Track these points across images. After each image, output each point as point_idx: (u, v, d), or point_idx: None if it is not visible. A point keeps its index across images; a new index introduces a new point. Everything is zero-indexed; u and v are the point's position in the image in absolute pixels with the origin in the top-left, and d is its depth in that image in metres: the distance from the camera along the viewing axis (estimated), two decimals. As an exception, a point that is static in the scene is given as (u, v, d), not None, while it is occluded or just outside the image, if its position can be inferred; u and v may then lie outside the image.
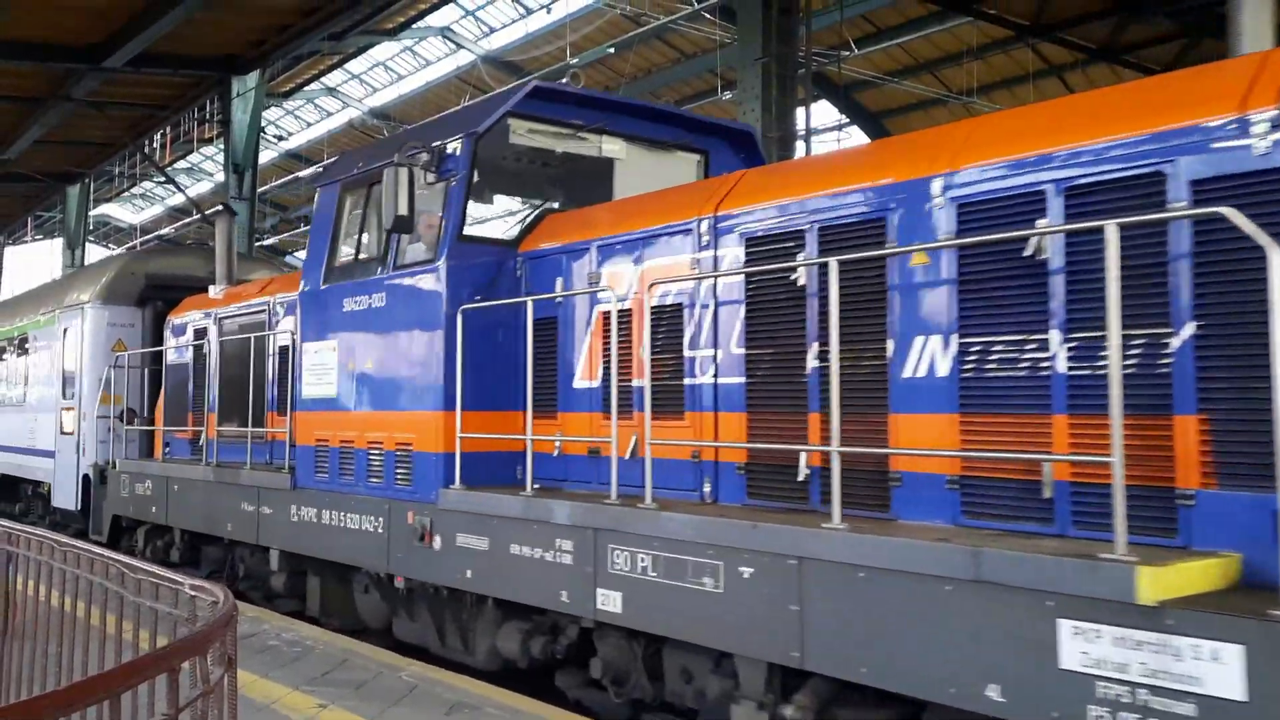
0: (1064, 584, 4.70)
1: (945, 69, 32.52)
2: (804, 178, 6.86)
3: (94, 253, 50.22)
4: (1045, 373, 5.44)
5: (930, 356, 5.96)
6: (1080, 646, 4.67)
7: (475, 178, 8.53)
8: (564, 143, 8.93)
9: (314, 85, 42.03)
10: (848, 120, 35.36)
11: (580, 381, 8.12)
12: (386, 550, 8.80)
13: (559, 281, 8.28)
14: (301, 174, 47.24)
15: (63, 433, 15.61)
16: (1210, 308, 4.89)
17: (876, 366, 6.18)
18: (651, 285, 6.99)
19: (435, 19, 35.60)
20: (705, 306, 7.20)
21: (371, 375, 9.10)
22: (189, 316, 13.39)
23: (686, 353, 7.30)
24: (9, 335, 18.96)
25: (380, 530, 8.88)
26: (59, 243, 43.80)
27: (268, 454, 11.28)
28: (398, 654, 8.82)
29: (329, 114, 45.55)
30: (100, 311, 15.16)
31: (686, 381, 7.30)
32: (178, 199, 50.70)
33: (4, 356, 19.25)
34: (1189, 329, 4.95)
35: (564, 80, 8.96)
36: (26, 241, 53.88)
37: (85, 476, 14.82)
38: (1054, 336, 5.41)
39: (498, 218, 9.98)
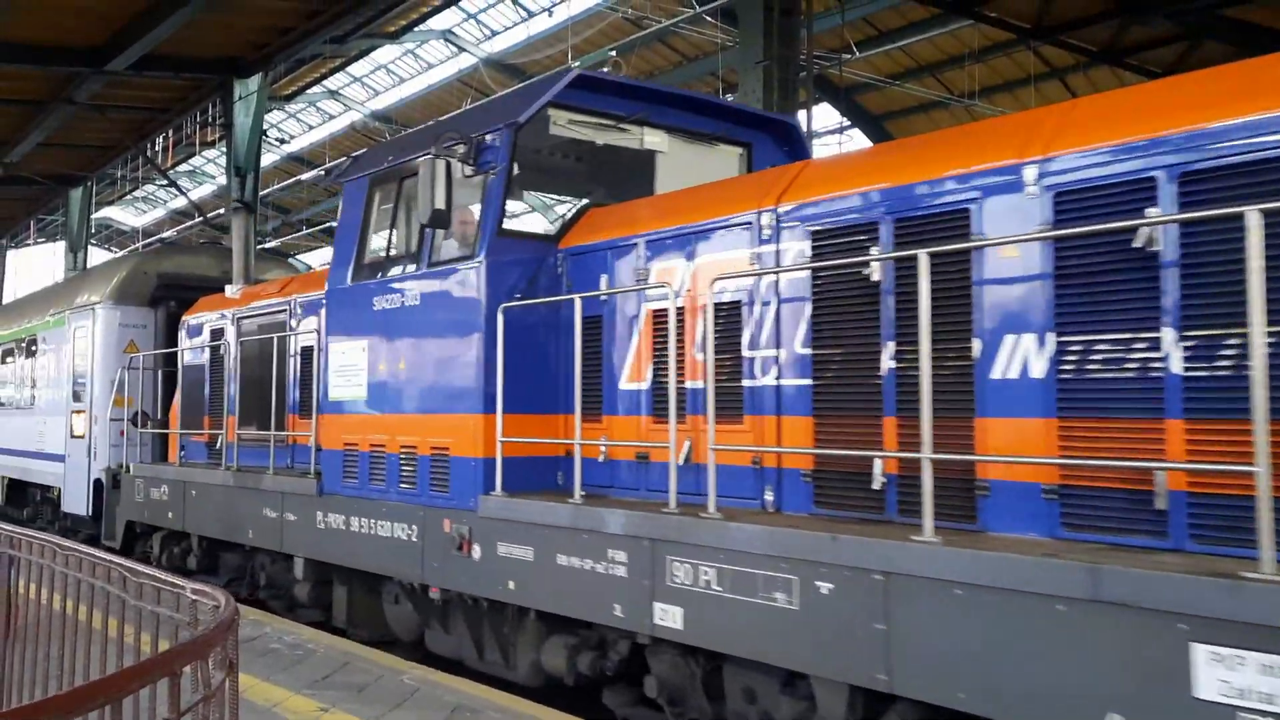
0: (1200, 605, 4.21)
1: (947, 71, 32.08)
2: (876, 167, 6.36)
3: (96, 256, 49.63)
4: (1157, 374, 4.95)
5: (1023, 357, 5.47)
6: (1219, 674, 4.18)
7: (515, 170, 8.01)
8: (605, 134, 8.42)
9: (316, 88, 41.49)
10: (849, 123, 34.89)
11: (627, 383, 7.61)
12: (421, 560, 8.28)
13: (603, 279, 7.78)
14: (303, 176, 46.74)
15: (73, 436, 15.03)
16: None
17: (961, 367, 5.69)
18: (715, 280, 6.47)
19: (437, 22, 35.16)
20: (766, 304, 6.70)
21: (404, 377, 8.58)
22: (205, 317, 12.84)
23: (745, 353, 6.80)
24: (17, 337, 18.36)
25: (414, 539, 8.36)
26: (61, 246, 43.25)
27: (288, 458, 10.74)
28: (431, 665, 8.35)
29: (331, 117, 45.05)
30: (112, 312, 14.58)
31: (745, 383, 6.79)
32: (180, 202, 50.12)
33: (12, 358, 18.63)
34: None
35: (605, 69, 8.42)
36: (29, 244, 53.20)
37: (97, 481, 14.25)
38: (1167, 335, 4.92)
39: (520, 214, 9.46)
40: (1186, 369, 4.87)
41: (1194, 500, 4.83)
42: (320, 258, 53.13)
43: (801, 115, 19.08)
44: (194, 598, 4.50)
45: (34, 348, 17.33)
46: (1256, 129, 4.70)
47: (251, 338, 11.44)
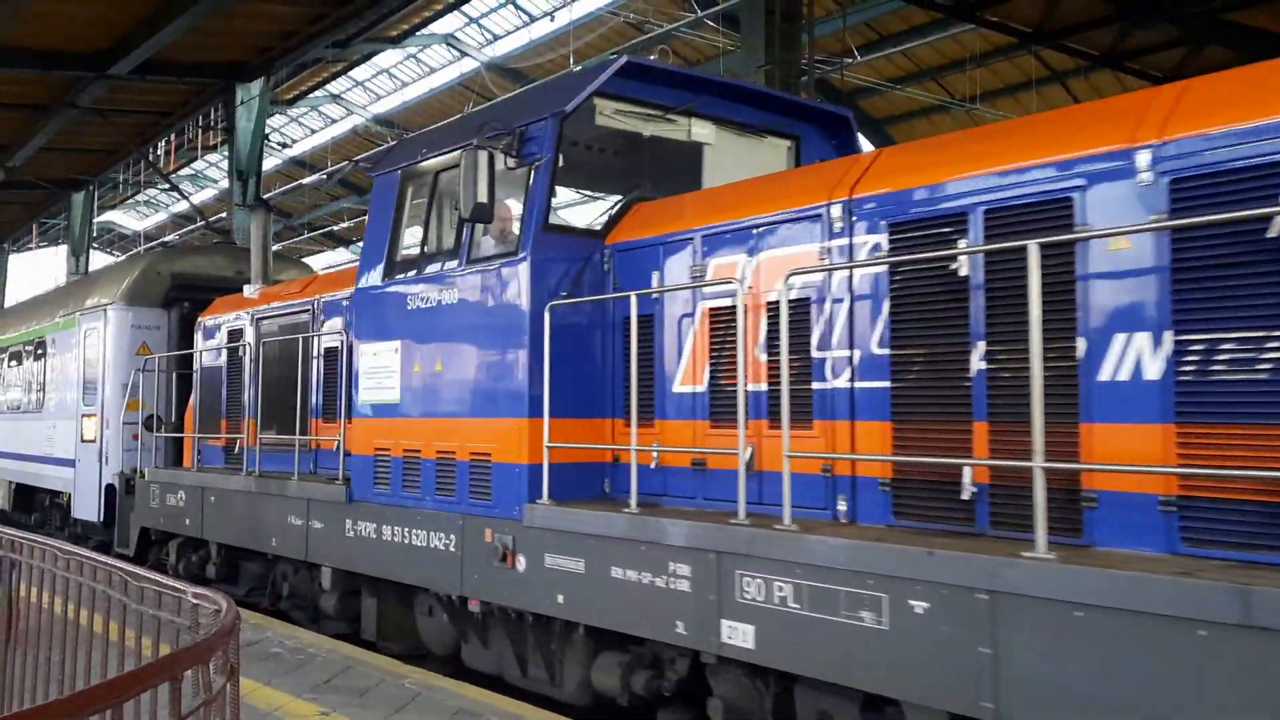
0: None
1: (948, 75, 31.69)
2: (962, 155, 5.84)
3: (98, 260, 49.01)
4: (1296, 375, 4.44)
5: (1135, 357, 4.96)
6: (1398, 709, 3.66)
7: (560, 162, 7.48)
8: (651, 125, 7.90)
9: (318, 92, 41.08)
10: (851, 127, 34.43)
11: (681, 386, 7.09)
12: (460, 571, 7.75)
13: (654, 276, 7.26)
14: (305, 180, 46.24)
15: (83, 440, 14.42)
16: None
17: (1063, 368, 5.18)
18: (790, 274, 5.94)
19: (439, 26, 34.79)
20: (838, 302, 6.19)
21: (442, 379, 8.04)
22: (222, 318, 12.27)
23: (815, 354, 6.28)
24: (25, 339, 17.73)
25: (452, 549, 7.82)
26: (63, 249, 42.75)
27: (311, 463, 10.18)
28: (466, 681, 7.89)
29: (333, 121, 44.57)
30: (123, 313, 13.98)
31: (815, 386, 6.27)
32: (182, 206, 49.57)
33: (19, 361, 17.99)
34: None
35: (652, 57, 7.89)
36: (31, 248, 52.58)
37: (109, 486, 13.65)
38: (1307, 332, 4.41)
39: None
40: (1331, 370, 4.37)
41: (1342, 513, 4.33)
42: (322, 261, 52.53)
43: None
44: (195, 602, 4.42)
45: (42, 350, 16.71)
46: None
47: (272, 339, 10.86)
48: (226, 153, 28.14)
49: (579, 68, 31.80)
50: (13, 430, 17.74)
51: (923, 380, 5.76)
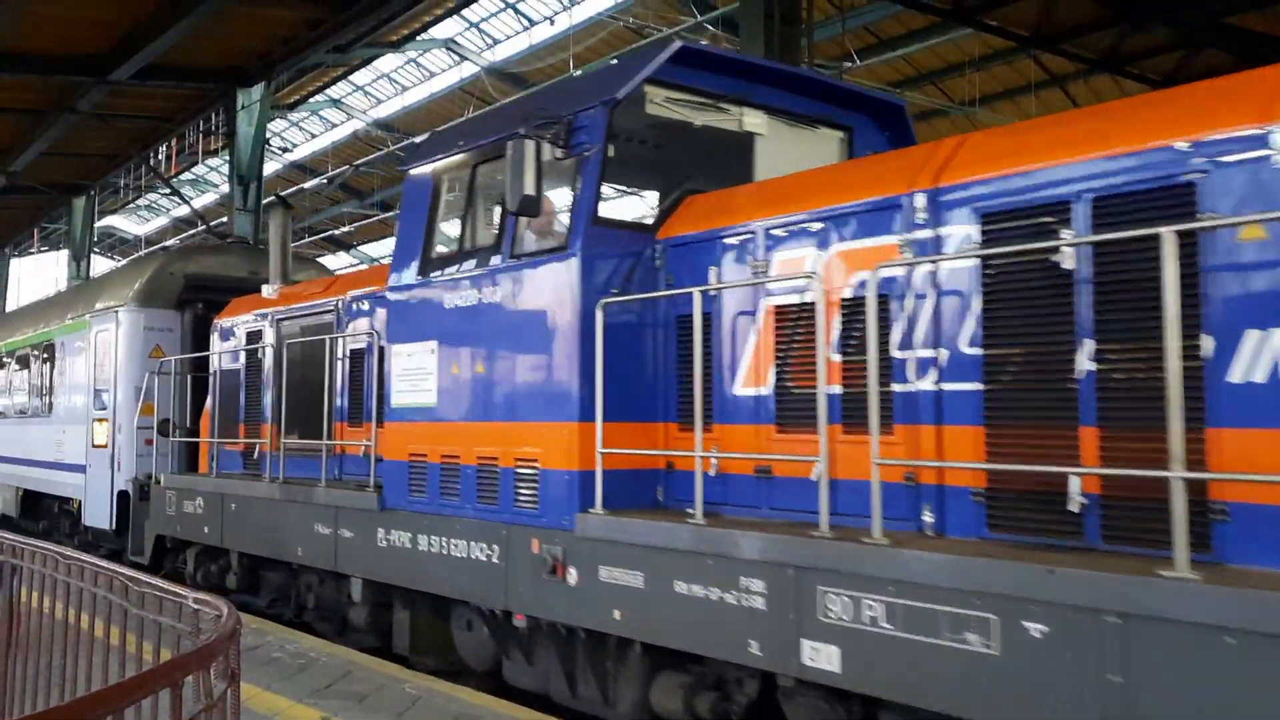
0: None
1: (947, 79, 31.28)
2: (1061, 138, 5.31)
3: (99, 264, 48.35)
4: None
5: (1272, 357, 4.42)
6: None
7: (610, 152, 6.94)
8: (702, 114, 7.36)
9: (319, 97, 40.54)
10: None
11: (742, 388, 6.54)
12: (504, 583, 7.19)
13: (712, 272, 6.71)
14: (306, 185, 45.70)
15: (94, 446, 13.78)
16: None
17: (1188, 369, 4.63)
18: (879, 268, 5.40)
19: (439, 31, 34.37)
20: (921, 298, 5.66)
21: (483, 381, 7.49)
22: (240, 319, 11.66)
23: (896, 354, 5.74)
24: (33, 342, 17.07)
25: (495, 560, 7.27)
26: (64, 254, 42.19)
27: (335, 469, 9.61)
28: (511, 702, 7.40)
29: (333, 125, 44.04)
30: (136, 315, 13.36)
31: (895, 388, 5.73)
32: (183, 210, 48.94)
33: (28, 364, 17.31)
34: None
35: (704, 42, 7.33)
36: (32, 253, 51.88)
37: (121, 493, 13.02)
38: None
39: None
40: None
41: None
42: (325, 265, 51.81)
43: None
44: (196, 607, 4.35)
45: (51, 353, 16.05)
46: None
47: (293, 340, 10.27)
48: (227, 157, 27.80)
49: (578, 72, 31.37)
50: (20, 435, 17.07)
51: (1021, 382, 5.23)
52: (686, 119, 7.33)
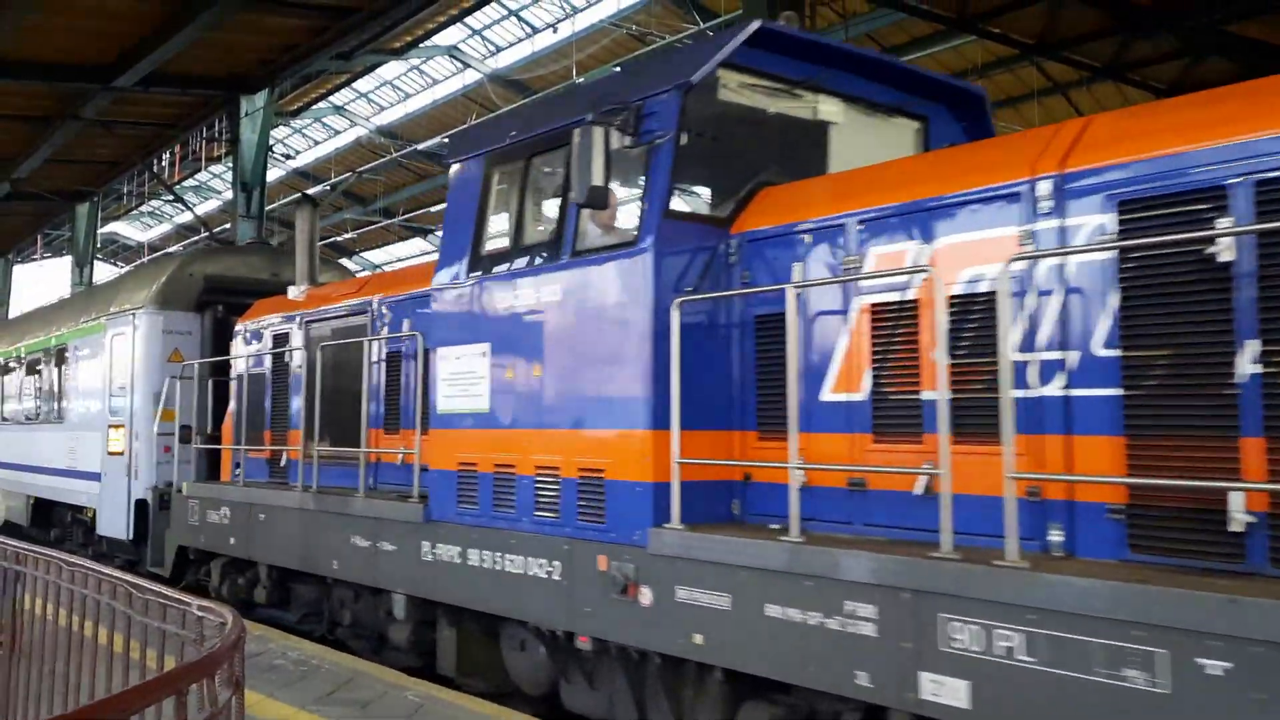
0: None
1: (951, 87, 30.64)
2: (1212, 117, 4.69)
3: (102, 270, 47.51)
4: None
5: None
6: None
7: (683, 140, 6.31)
8: (776, 101, 6.73)
9: (321, 104, 39.90)
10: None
11: (832, 394, 5.91)
12: (567, 602, 6.54)
13: (796, 268, 6.08)
14: (309, 191, 44.92)
15: (110, 453, 13.04)
16: None
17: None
18: (1012, 261, 4.78)
19: (442, 38, 33.90)
20: (1046, 294, 5.03)
21: (542, 385, 6.85)
22: (266, 321, 10.96)
23: (1015, 356, 5.10)
24: (44, 346, 16.29)
25: (557, 577, 6.61)
26: (67, 260, 41.51)
27: (370, 478, 8.92)
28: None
29: (336, 132, 43.44)
30: (154, 318, 12.62)
31: (1016, 394, 5.08)
32: (186, 217, 48.21)
33: (39, 369, 16.52)
34: None
35: (781, 21, 6.71)
36: (36, 259, 51.08)
37: (139, 502, 12.28)
38: None
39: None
40: None
41: None
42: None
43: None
44: (200, 614, 4.29)
45: (64, 357, 15.28)
46: None
47: (323, 344, 9.57)
48: (230, 164, 27.31)
49: (580, 79, 30.84)
50: (31, 442, 16.28)
51: (1170, 388, 4.61)
52: (760, 106, 6.71)
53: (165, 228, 53.93)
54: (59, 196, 32.91)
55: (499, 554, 7.05)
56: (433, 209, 45.32)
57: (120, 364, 12.99)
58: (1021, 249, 5.10)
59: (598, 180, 6.13)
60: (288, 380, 10.29)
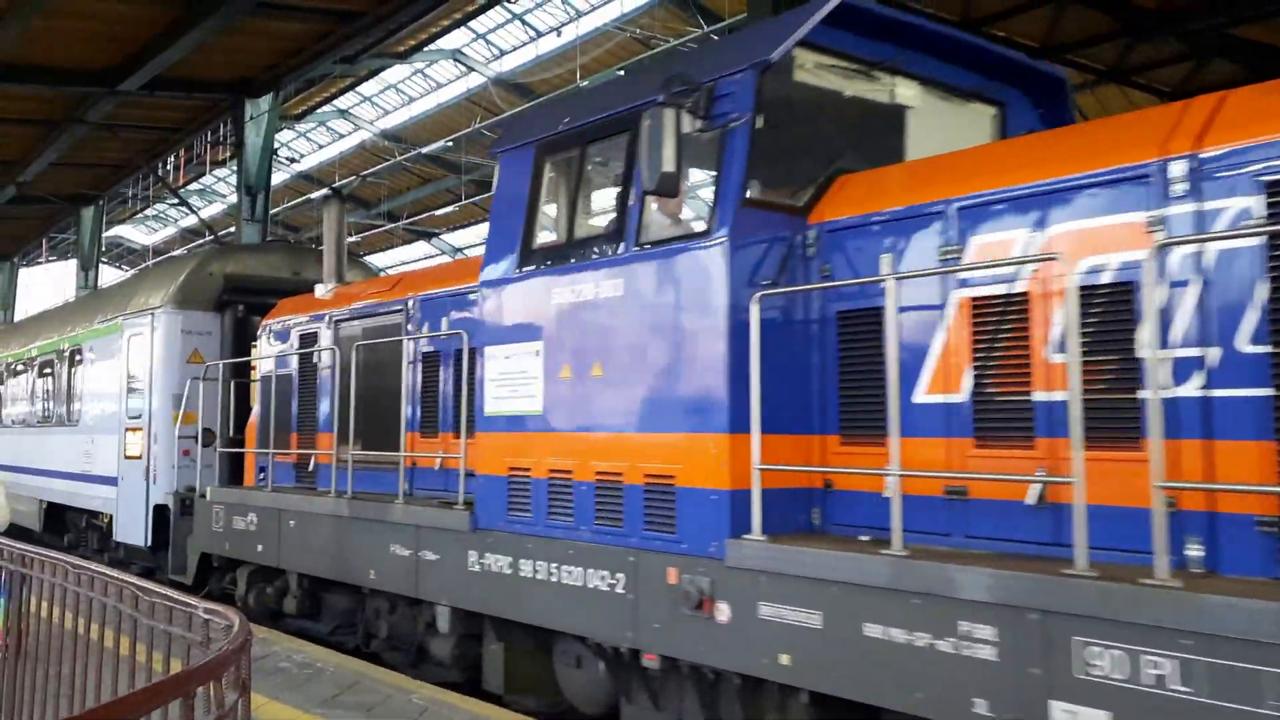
0: None
1: (955, 90, 30.23)
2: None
3: (107, 274, 46.86)
4: None
5: None
6: None
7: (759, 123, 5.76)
8: (853, 83, 6.19)
9: (326, 107, 39.35)
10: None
11: (926, 396, 5.36)
12: (633, 617, 5.99)
13: (884, 260, 5.53)
14: (313, 195, 44.47)
15: (127, 456, 12.42)
16: None
17: None
18: (1161, 246, 4.24)
19: (446, 42, 33.44)
20: (1181, 285, 4.49)
21: (602, 386, 6.29)
22: (292, 320, 10.36)
23: (1142, 353, 4.57)
24: (58, 347, 15.65)
25: (620, 590, 6.06)
26: (73, 264, 41.02)
27: (407, 484, 8.34)
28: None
29: (340, 136, 42.85)
30: (173, 317, 12.01)
31: (1143, 394, 4.55)
32: (190, 220, 47.56)
33: (52, 371, 15.87)
34: None
35: None
36: (41, 263, 50.44)
37: (158, 507, 11.67)
38: None
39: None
40: None
41: None
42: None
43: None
44: (206, 617, 4.22)
45: (78, 358, 14.63)
46: None
47: (360, 343, 8.97)
48: (235, 168, 26.89)
49: (585, 82, 30.35)
50: (43, 445, 15.63)
51: (1331, 386, 4.07)
52: (836, 88, 6.17)
53: (170, 231, 53.27)
54: (64, 200, 32.61)
55: (555, 565, 6.49)
56: (437, 213, 44.81)
57: (138, 365, 12.38)
58: (1151, 235, 4.57)
59: (669, 166, 5.58)
60: (316, 381, 9.71)
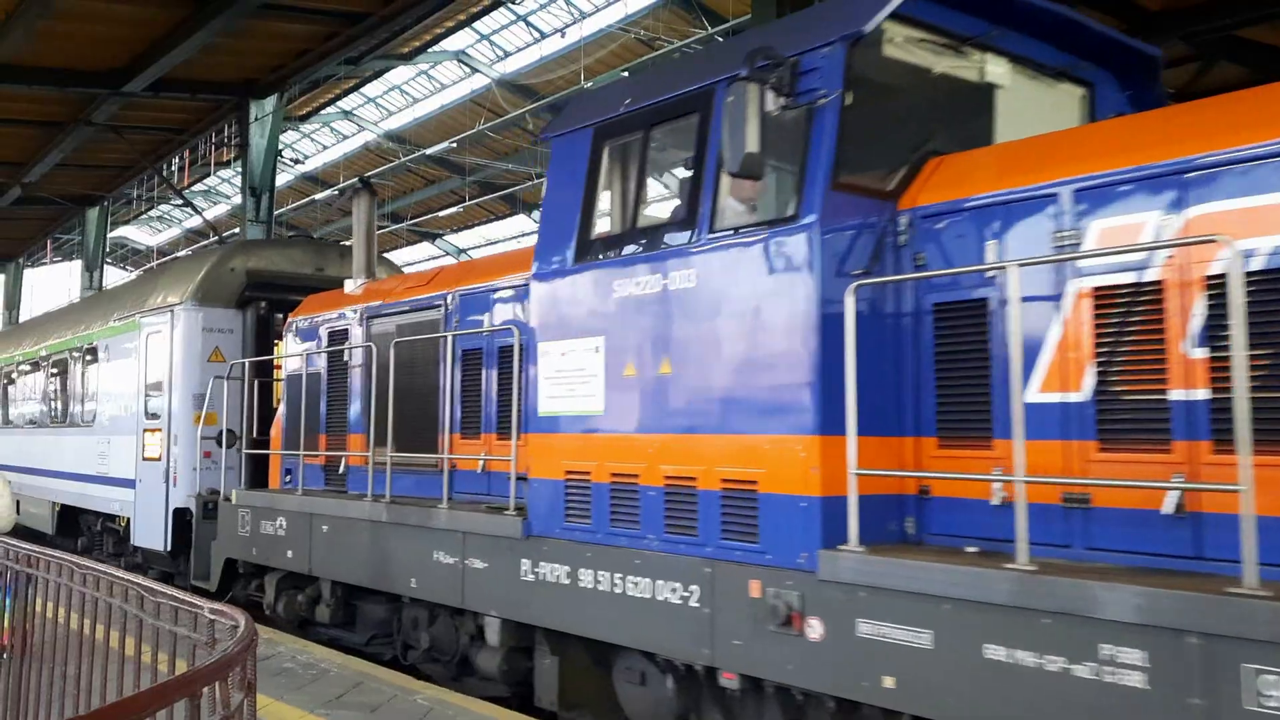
0: None
1: (960, 91, 29.77)
2: None
3: (112, 275, 46.21)
4: None
5: None
6: None
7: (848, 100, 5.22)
8: (942, 59, 5.65)
9: (330, 109, 38.84)
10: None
11: (1038, 394, 4.81)
12: (709, 633, 5.44)
13: (990, 246, 4.98)
14: (317, 196, 43.89)
15: (145, 458, 11.81)
16: None
17: None
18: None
19: (450, 43, 32.98)
20: (1348, 271, 3.95)
21: (671, 384, 5.74)
22: (321, 317, 9.76)
23: (1310, 346, 4.05)
24: (72, 345, 15.00)
25: (694, 603, 5.51)
26: (77, 264, 40.49)
27: (444, 487, 7.77)
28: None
29: (345, 137, 42.31)
30: (194, 314, 11.40)
31: (1302, 391, 4.02)
32: (195, 221, 46.92)
33: (65, 370, 15.22)
34: None
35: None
36: (45, 263, 49.76)
37: (178, 510, 11.06)
38: None
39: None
40: None
41: None
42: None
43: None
44: (212, 617, 4.15)
45: (93, 357, 13.99)
46: None
47: (398, 340, 8.36)
48: (239, 169, 26.45)
49: (589, 84, 29.88)
50: (56, 446, 14.97)
51: None
52: (925, 65, 5.62)
53: (174, 232, 52.63)
54: (69, 201, 32.13)
55: (619, 575, 5.93)
56: (440, 214, 44.27)
57: (157, 363, 11.76)
58: (1311, 216, 4.03)
59: (752, 146, 5.04)
60: (347, 380, 9.13)
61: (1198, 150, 4.39)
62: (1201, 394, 4.30)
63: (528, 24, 32.39)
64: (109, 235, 41.89)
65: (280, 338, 10.57)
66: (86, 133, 23.42)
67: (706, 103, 5.71)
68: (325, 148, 43.66)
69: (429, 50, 32.72)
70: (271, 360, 10.48)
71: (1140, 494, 4.43)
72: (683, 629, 5.58)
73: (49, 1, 15.26)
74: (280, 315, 11.04)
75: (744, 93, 5.06)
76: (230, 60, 19.60)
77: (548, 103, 32.56)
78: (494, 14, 30.54)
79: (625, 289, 6.02)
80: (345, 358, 9.10)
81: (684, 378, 5.68)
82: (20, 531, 14.14)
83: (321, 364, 9.44)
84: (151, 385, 11.84)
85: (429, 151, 38.26)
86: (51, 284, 50.40)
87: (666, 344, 5.78)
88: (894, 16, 5.41)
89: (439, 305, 8.26)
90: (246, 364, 10.37)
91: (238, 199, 32.00)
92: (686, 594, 5.57)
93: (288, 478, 9.78)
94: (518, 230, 43.80)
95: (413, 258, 49.34)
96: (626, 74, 28.97)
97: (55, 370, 15.63)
